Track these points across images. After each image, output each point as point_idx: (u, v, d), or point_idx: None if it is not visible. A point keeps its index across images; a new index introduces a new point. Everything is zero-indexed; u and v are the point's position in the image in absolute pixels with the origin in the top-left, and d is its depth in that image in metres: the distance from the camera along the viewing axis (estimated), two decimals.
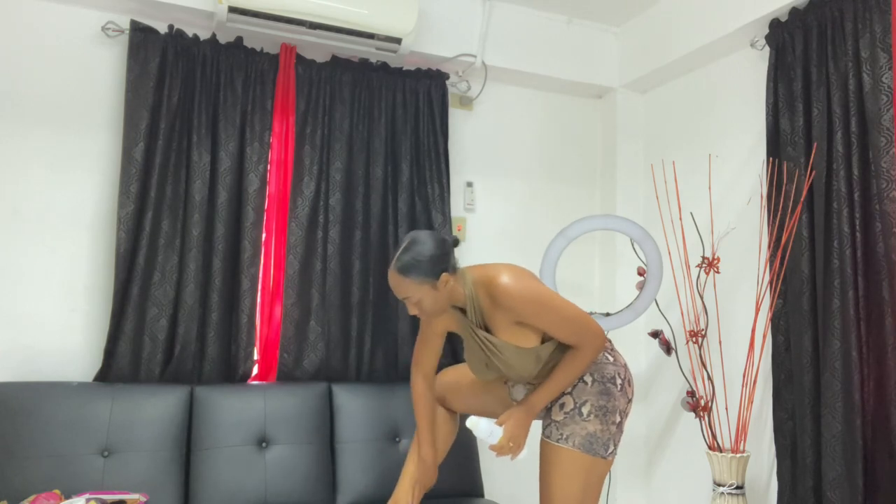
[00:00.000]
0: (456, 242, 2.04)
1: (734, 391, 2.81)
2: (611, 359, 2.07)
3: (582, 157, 3.56)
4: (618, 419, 2.02)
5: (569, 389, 2.04)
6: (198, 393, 2.52)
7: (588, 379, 2.03)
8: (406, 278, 1.93)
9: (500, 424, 2.02)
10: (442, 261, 1.94)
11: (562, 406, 2.03)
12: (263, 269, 2.76)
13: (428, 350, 2.23)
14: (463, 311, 2.08)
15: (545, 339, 2.01)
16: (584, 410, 2.00)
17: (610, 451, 2.01)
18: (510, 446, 2.01)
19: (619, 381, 2.04)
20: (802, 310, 2.42)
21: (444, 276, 1.94)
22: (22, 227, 2.55)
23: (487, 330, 2.05)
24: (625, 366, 2.09)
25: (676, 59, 3.11)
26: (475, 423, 1.99)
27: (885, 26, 2.25)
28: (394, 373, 2.91)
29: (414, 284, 1.93)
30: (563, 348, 2.02)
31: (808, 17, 2.50)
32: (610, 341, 2.14)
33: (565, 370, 1.99)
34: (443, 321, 2.17)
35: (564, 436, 1.98)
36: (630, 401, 2.07)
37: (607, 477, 3.19)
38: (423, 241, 1.95)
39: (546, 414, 2.09)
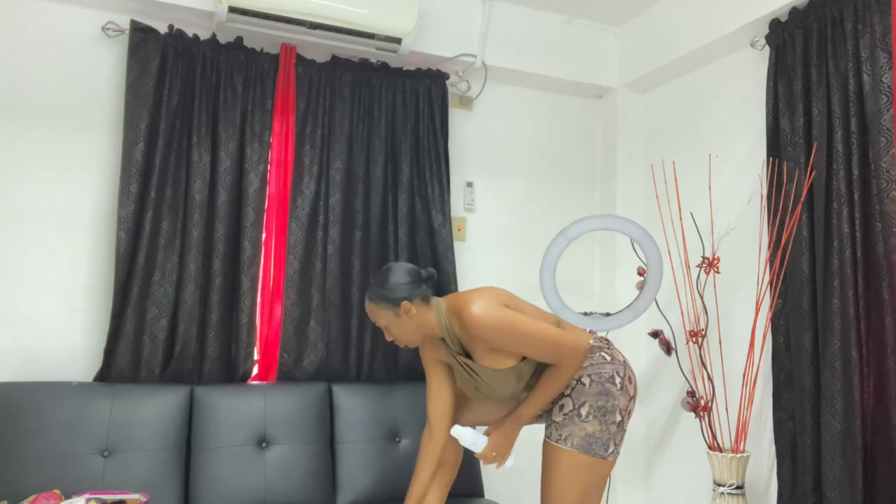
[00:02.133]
0: (431, 276, 2.11)
1: (734, 391, 2.81)
2: (608, 357, 2.07)
3: (582, 157, 3.57)
4: (618, 418, 2.02)
5: (568, 391, 2.05)
6: (198, 393, 2.52)
7: (586, 380, 2.04)
8: (370, 303, 2.09)
9: (488, 434, 2.08)
10: (403, 290, 2.05)
11: (561, 407, 2.04)
12: (263, 269, 2.76)
13: (432, 394, 2.22)
14: (444, 340, 2.12)
15: (524, 356, 2.04)
16: (583, 411, 2.00)
17: (610, 451, 2.01)
18: (493, 455, 2.06)
19: (617, 380, 2.04)
20: (802, 310, 2.42)
21: (405, 304, 2.03)
22: (22, 227, 2.55)
23: (468, 355, 2.09)
24: (624, 363, 2.08)
25: (676, 59, 3.11)
26: (460, 433, 2.05)
27: (885, 26, 2.25)
28: (394, 373, 2.91)
29: (378, 310, 2.08)
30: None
31: (808, 17, 2.50)
32: (607, 339, 2.15)
33: (549, 384, 2.02)
34: (431, 352, 2.21)
35: (563, 437, 1.99)
36: (632, 398, 2.07)
37: (607, 477, 3.20)
38: (393, 270, 2.09)
39: (547, 415, 2.10)
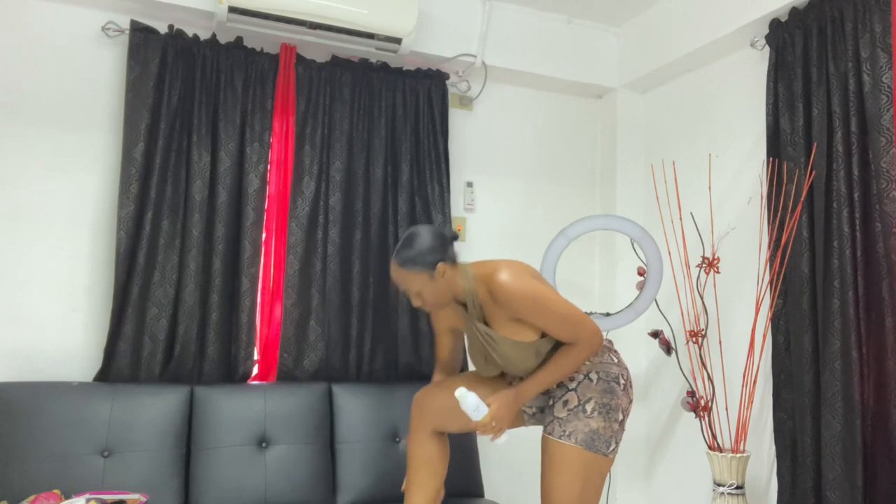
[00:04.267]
0: (455, 237, 2.11)
1: (734, 391, 2.81)
2: (615, 360, 2.10)
3: (582, 158, 3.56)
4: (620, 417, 2.04)
5: (573, 385, 2.05)
6: (198, 393, 2.52)
7: (593, 377, 2.05)
8: (403, 270, 2.02)
9: (488, 404, 2.02)
10: (437, 252, 2.01)
11: (565, 403, 2.04)
12: (263, 269, 2.76)
13: (442, 348, 2.30)
14: (465, 305, 2.11)
15: (544, 333, 2.03)
16: (588, 407, 2.01)
17: (612, 448, 2.02)
18: (493, 426, 2.01)
19: (622, 382, 2.06)
20: (802, 310, 2.42)
21: (441, 266, 2.00)
22: (22, 227, 2.55)
23: (487, 324, 2.08)
24: (626, 368, 2.12)
25: (676, 59, 3.11)
26: (464, 395, 2.00)
27: (885, 26, 2.25)
28: (394, 373, 2.91)
29: (411, 276, 2.02)
30: (561, 344, 2.03)
31: (808, 17, 2.50)
32: (610, 341, 2.15)
33: (560, 363, 2.01)
34: (446, 317, 2.22)
35: (567, 432, 1.99)
36: (631, 402, 2.09)
37: (607, 477, 3.20)
38: (421, 234, 2.04)
39: (548, 410, 2.09)
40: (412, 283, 2.03)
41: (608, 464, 2.03)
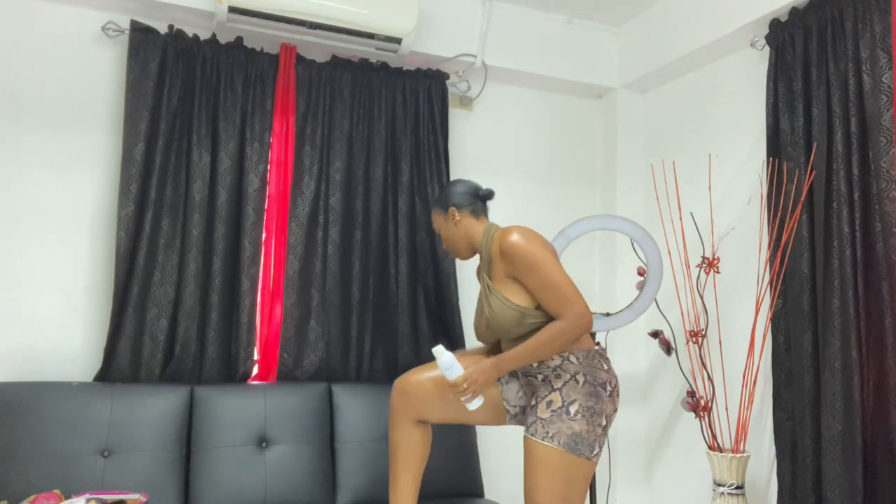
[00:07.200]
0: (488, 195, 2.27)
1: (734, 391, 2.81)
2: (605, 366, 2.10)
3: (582, 157, 3.56)
4: (603, 423, 2.03)
5: (558, 385, 2.04)
6: (198, 393, 2.52)
7: (580, 378, 2.04)
8: (431, 210, 2.31)
9: (465, 367, 2.06)
10: (456, 198, 2.23)
11: (549, 403, 2.03)
12: (263, 269, 2.76)
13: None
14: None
15: (538, 307, 2.05)
16: (572, 409, 2.00)
17: (595, 452, 2.01)
18: (464, 387, 2.03)
19: (608, 388, 2.06)
20: (802, 310, 2.42)
21: (451, 209, 2.22)
22: (22, 227, 2.55)
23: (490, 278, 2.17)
24: (615, 377, 2.12)
25: (676, 59, 3.11)
26: (441, 353, 2.04)
27: (885, 26, 2.25)
28: (394, 373, 2.91)
29: (434, 214, 2.29)
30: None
31: (808, 17, 2.50)
32: (604, 349, 2.15)
33: (542, 337, 2.01)
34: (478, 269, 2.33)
35: (550, 434, 1.98)
36: (616, 410, 2.10)
37: (607, 477, 3.20)
38: (456, 183, 2.28)
39: (531, 410, 2.08)
40: (434, 221, 2.29)
41: (591, 467, 2.02)
